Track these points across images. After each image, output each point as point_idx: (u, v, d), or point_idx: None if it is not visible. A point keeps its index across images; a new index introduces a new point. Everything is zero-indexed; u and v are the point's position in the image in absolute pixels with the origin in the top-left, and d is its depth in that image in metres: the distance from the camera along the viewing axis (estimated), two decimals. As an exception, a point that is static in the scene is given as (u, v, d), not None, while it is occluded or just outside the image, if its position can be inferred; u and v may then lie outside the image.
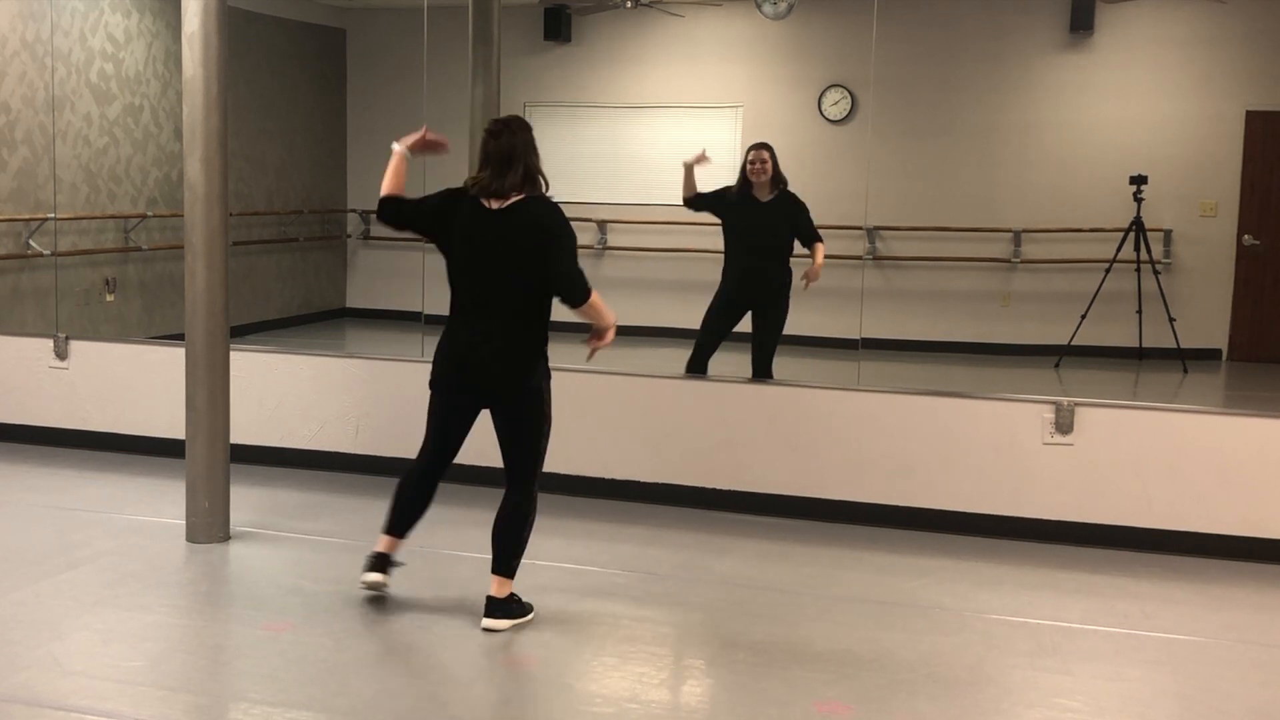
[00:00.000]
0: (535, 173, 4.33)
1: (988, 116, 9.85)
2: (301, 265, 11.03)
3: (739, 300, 6.64)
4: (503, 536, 4.43)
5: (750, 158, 6.54)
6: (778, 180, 6.53)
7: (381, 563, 4.59)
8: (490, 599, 4.42)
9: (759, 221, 6.54)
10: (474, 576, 4.90)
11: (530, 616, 4.49)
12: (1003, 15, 9.77)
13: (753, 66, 10.38)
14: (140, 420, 6.73)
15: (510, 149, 4.29)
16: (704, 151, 6.78)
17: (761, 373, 6.52)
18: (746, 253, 6.61)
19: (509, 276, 4.28)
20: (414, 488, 4.57)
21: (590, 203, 10.27)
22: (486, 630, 4.38)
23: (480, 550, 5.19)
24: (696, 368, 6.61)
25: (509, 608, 4.43)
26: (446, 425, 4.51)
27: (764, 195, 6.53)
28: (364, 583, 4.57)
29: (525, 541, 4.47)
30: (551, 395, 4.45)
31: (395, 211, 4.47)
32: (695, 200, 6.75)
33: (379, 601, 4.63)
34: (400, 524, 4.58)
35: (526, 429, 4.40)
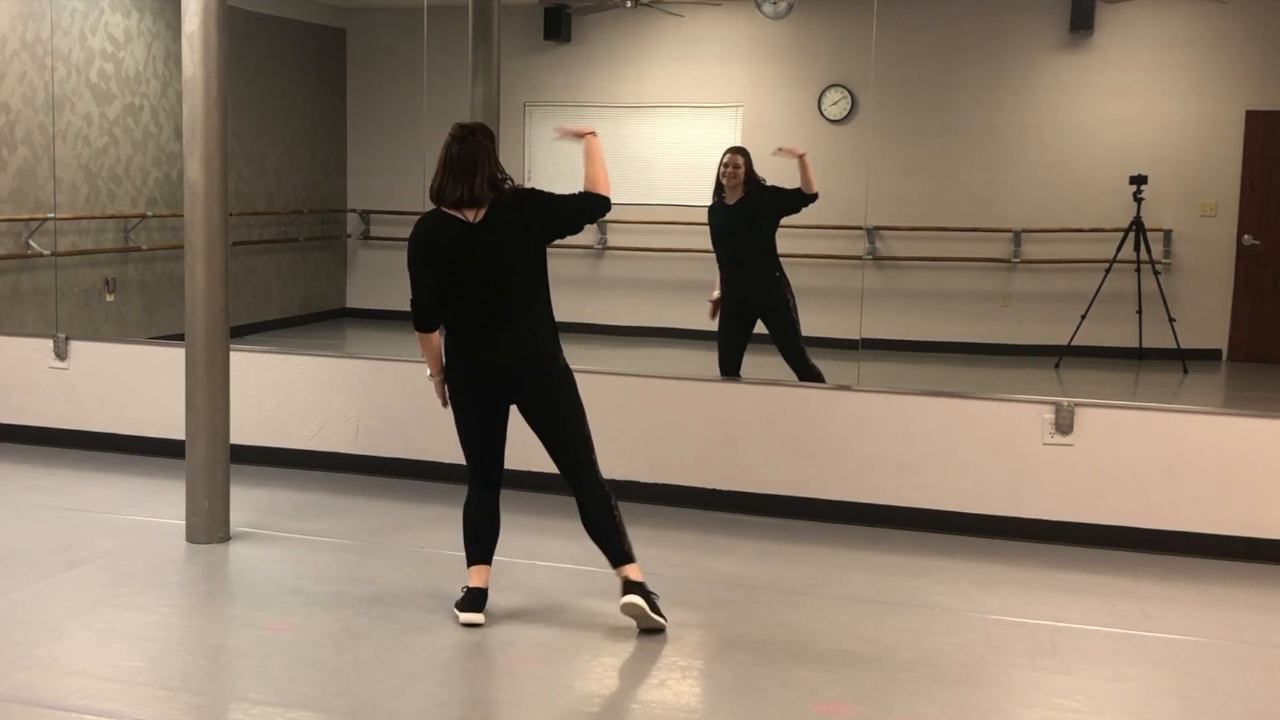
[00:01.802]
0: (496, 178, 4.30)
1: (988, 116, 9.84)
2: (301, 265, 11.03)
3: (737, 305, 6.64)
4: (601, 532, 4.40)
5: (725, 161, 6.57)
6: (750, 183, 6.53)
7: (478, 600, 4.46)
8: (630, 582, 4.35)
9: (730, 224, 6.60)
10: (474, 576, 4.90)
11: (662, 620, 4.40)
12: (1003, 15, 9.77)
13: (753, 66, 10.38)
14: (140, 420, 6.73)
15: (472, 157, 4.27)
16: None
17: (800, 374, 6.44)
18: (727, 258, 6.68)
19: (510, 276, 4.30)
20: (478, 516, 4.49)
21: (590, 203, 10.25)
22: (629, 605, 4.31)
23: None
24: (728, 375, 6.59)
25: (647, 592, 4.37)
26: (482, 440, 4.45)
27: (733, 198, 6.55)
28: (463, 622, 4.42)
29: (621, 523, 4.42)
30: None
31: (424, 315, 4.39)
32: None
33: (379, 602, 4.63)
34: (481, 551, 4.49)
35: (568, 414, 4.40)
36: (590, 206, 4.45)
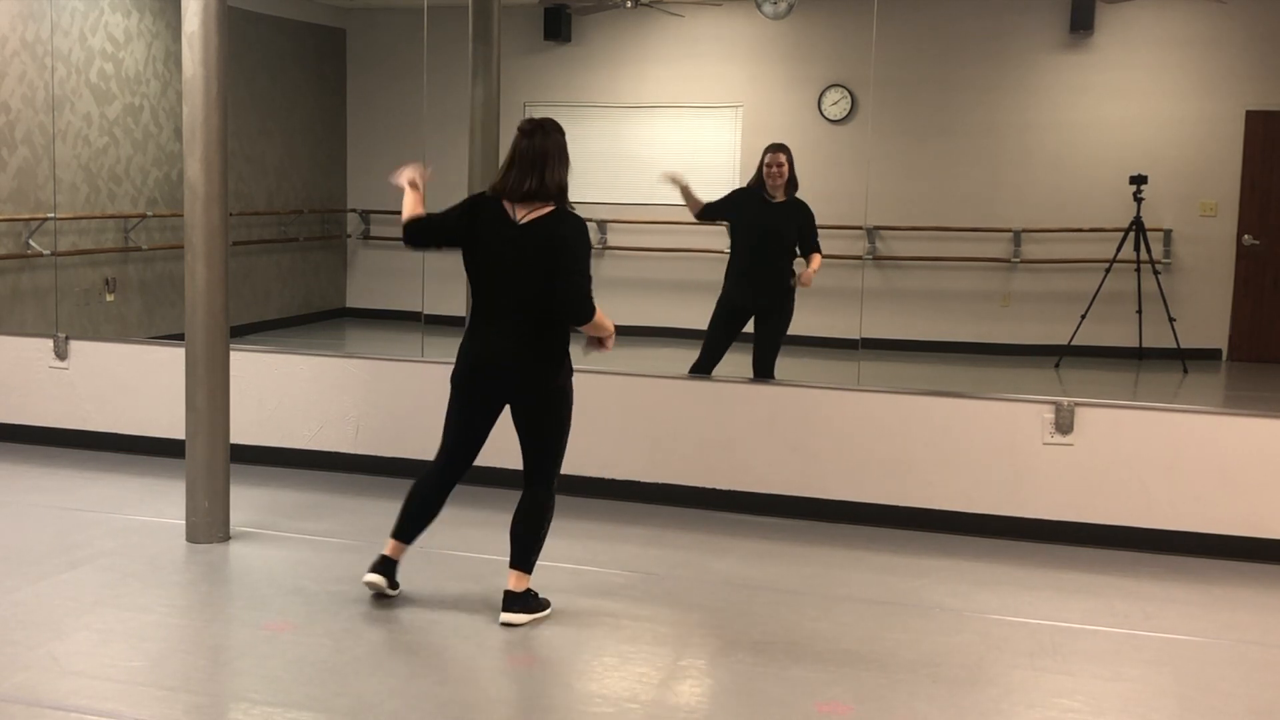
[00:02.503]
0: (562, 180, 4.30)
1: (988, 116, 9.85)
2: (301, 265, 11.03)
3: (742, 302, 6.61)
4: (521, 532, 4.44)
5: (767, 160, 6.46)
6: (792, 183, 6.51)
7: (384, 567, 4.56)
8: (508, 593, 4.42)
9: (769, 222, 6.50)
10: (474, 576, 4.90)
11: (548, 612, 4.50)
12: (1003, 15, 9.77)
13: (753, 66, 10.38)
14: (140, 420, 6.73)
15: (542, 152, 4.26)
16: (678, 177, 6.66)
17: (763, 373, 6.50)
18: (752, 251, 6.58)
19: (530, 285, 4.28)
20: (427, 493, 4.52)
21: (590, 203, 10.26)
22: (505, 625, 4.39)
23: (481, 550, 5.20)
24: (701, 372, 6.58)
25: (527, 602, 4.44)
26: (467, 427, 4.47)
27: (778, 197, 6.51)
28: (365, 582, 4.56)
29: (543, 537, 4.47)
30: (573, 395, 4.46)
31: (420, 231, 4.43)
32: (705, 211, 6.64)
33: (379, 601, 4.63)
34: (408, 530, 4.53)
35: (547, 429, 4.41)
36: (576, 307, 4.27)
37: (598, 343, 4.43)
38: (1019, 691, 4.03)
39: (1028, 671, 4.19)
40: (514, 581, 4.43)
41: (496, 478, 5.65)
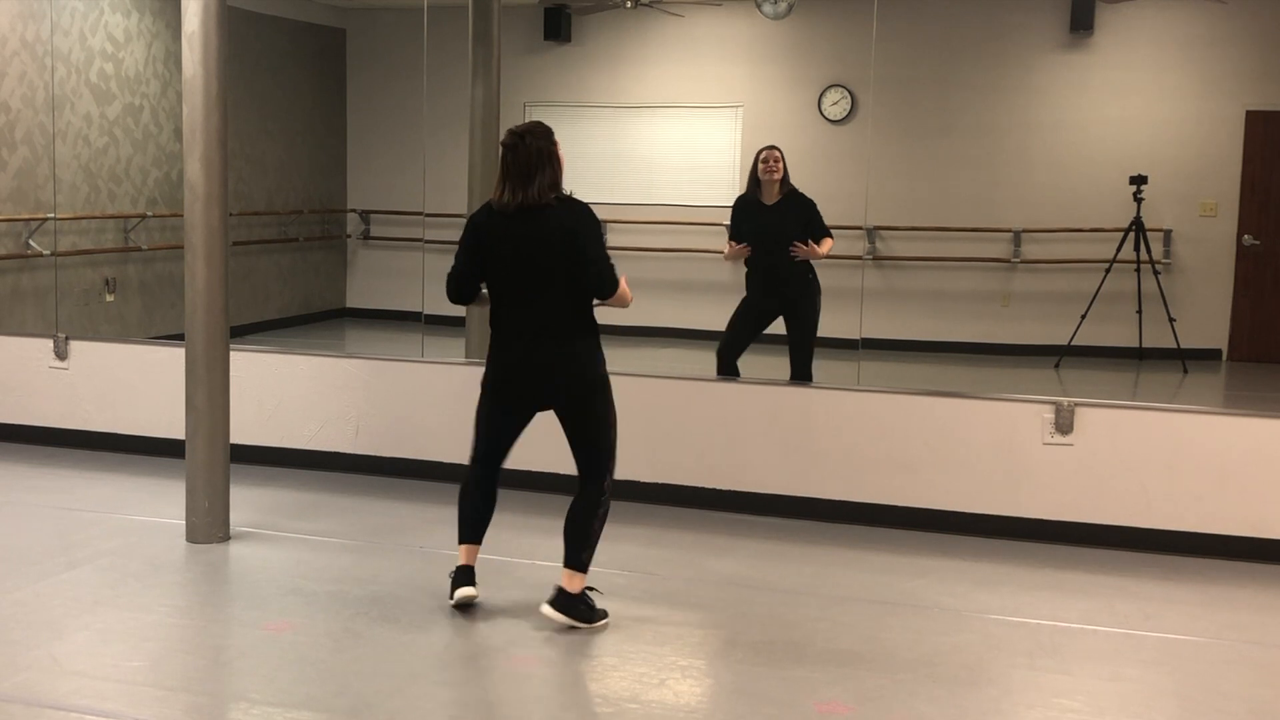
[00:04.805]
0: (555, 183, 4.31)
1: (988, 116, 9.85)
2: (301, 265, 11.03)
3: (762, 305, 6.64)
4: (571, 529, 4.44)
5: (762, 156, 6.54)
6: (787, 182, 6.54)
7: (467, 576, 4.53)
8: (560, 590, 4.41)
9: (768, 224, 6.55)
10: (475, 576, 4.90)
11: (601, 624, 4.45)
12: (1003, 15, 9.77)
13: (753, 66, 10.38)
14: (140, 420, 6.73)
15: (528, 162, 4.27)
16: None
17: (799, 375, 6.49)
18: (763, 255, 6.62)
19: (550, 274, 4.29)
20: (474, 498, 4.55)
21: (590, 203, 10.26)
22: (544, 614, 4.39)
23: (482, 551, 5.19)
24: (724, 369, 6.59)
25: (575, 606, 4.41)
26: (500, 432, 4.51)
27: (771, 198, 6.53)
28: (454, 600, 4.51)
29: (594, 534, 4.45)
30: (610, 385, 4.47)
31: (458, 290, 4.47)
32: (733, 236, 6.70)
33: (379, 602, 4.63)
34: (473, 532, 4.55)
35: (593, 425, 4.43)
36: (604, 283, 4.35)
37: None
38: (1019, 691, 4.03)
39: (1028, 671, 4.19)
40: (566, 580, 4.42)
41: (509, 480, 5.65)
